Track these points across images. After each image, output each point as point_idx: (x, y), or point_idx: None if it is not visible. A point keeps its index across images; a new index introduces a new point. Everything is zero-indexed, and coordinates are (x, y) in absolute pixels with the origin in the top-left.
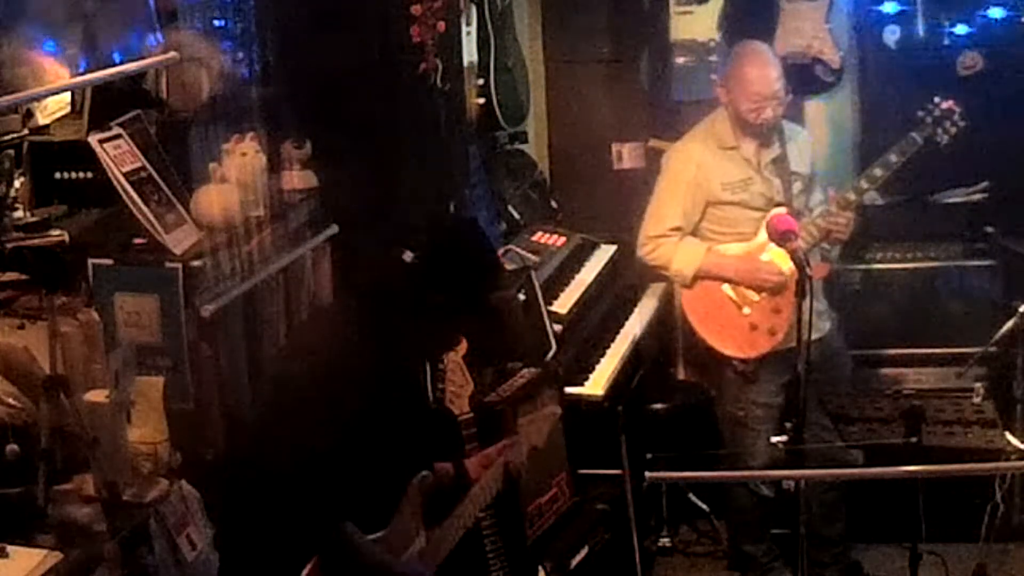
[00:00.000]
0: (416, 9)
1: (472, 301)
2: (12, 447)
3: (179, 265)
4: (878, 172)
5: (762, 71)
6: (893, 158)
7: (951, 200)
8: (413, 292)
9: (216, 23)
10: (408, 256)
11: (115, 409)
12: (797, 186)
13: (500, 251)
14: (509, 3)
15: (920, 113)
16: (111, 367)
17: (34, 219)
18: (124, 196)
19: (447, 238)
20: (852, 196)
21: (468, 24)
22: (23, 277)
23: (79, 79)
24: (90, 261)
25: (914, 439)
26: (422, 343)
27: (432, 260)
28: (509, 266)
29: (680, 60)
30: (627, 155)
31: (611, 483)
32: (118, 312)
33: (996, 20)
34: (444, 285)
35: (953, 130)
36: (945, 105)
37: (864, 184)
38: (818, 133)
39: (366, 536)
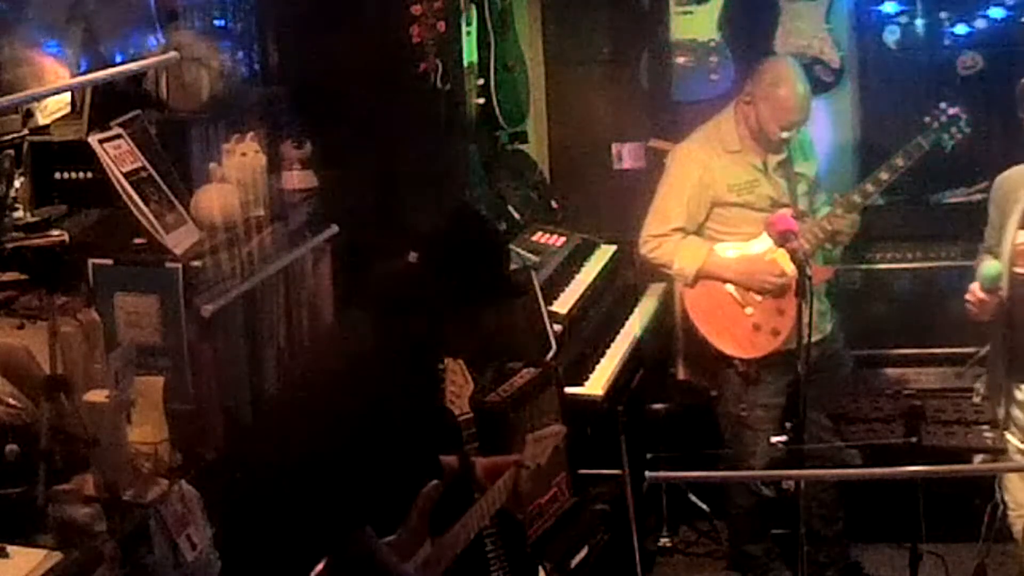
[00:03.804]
0: (416, 9)
1: (483, 294)
2: (12, 447)
3: (179, 265)
4: (884, 176)
5: (795, 93)
6: (899, 162)
7: (951, 200)
8: (420, 291)
9: (216, 23)
10: (413, 257)
11: (115, 409)
12: (801, 187)
13: None
14: (509, 3)
15: (927, 119)
16: (111, 367)
17: (34, 219)
18: (124, 196)
19: (453, 233)
20: (857, 199)
21: (468, 24)
22: (23, 277)
23: (79, 79)
24: (90, 261)
25: (914, 439)
26: (435, 341)
27: (439, 255)
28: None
29: (680, 60)
30: (627, 155)
31: (611, 483)
32: (118, 312)
33: (996, 20)
34: (452, 280)
35: (959, 136)
36: (952, 111)
37: (870, 187)
38: (818, 133)
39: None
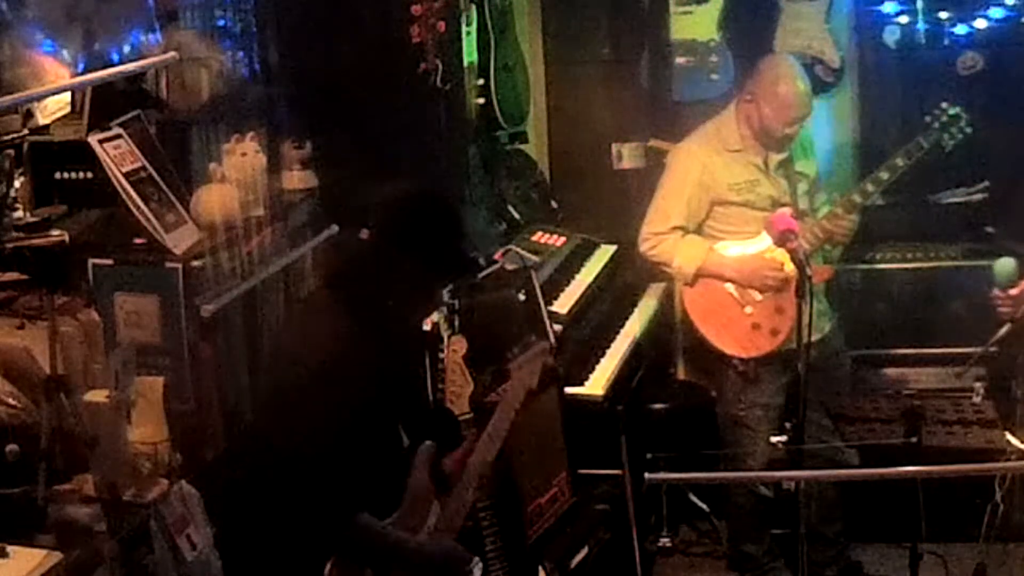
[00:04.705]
0: (416, 9)
1: (440, 261)
2: (12, 447)
3: (179, 265)
4: (884, 176)
5: (796, 89)
6: (899, 162)
7: (951, 200)
8: (378, 268)
9: (216, 23)
10: (364, 234)
11: (115, 409)
12: (802, 187)
13: (500, 251)
14: (509, 3)
15: (927, 119)
16: (111, 367)
17: (34, 219)
18: (124, 196)
19: (402, 206)
20: (857, 199)
21: (468, 24)
22: (23, 277)
23: (79, 79)
24: (90, 261)
25: (914, 439)
26: (400, 314)
27: (391, 229)
28: (509, 266)
29: (680, 60)
30: (627, 155)
31: (611, 483)
32: (118, 312)
33: (996, 20)
34: (407, 250)
35: (960, 136)
36: (953, 111)
37: (870, 187)
38: (818, 133)
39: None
